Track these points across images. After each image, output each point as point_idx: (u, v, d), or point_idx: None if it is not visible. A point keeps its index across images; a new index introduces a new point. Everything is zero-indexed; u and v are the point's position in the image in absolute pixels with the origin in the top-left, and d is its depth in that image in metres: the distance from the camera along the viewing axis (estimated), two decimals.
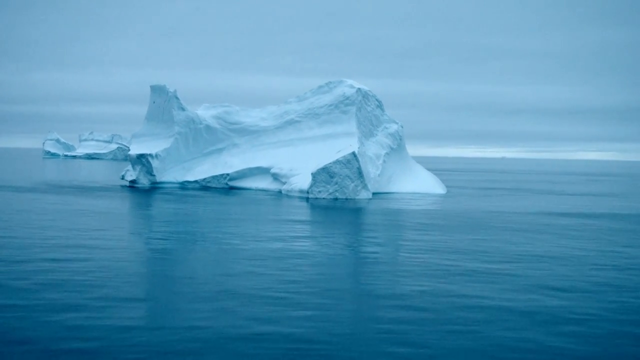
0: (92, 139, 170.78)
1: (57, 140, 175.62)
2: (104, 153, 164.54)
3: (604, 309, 14.62)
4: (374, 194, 47.74)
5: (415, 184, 51.98)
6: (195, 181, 53.75)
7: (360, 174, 44.81)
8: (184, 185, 53.65)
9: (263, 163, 52.61)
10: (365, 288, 16.31)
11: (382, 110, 54.59)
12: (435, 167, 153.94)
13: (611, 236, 27.47)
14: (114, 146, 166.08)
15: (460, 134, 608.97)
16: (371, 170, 49.12)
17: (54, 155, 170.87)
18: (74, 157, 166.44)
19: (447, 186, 58.25)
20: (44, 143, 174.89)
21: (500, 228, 29.52)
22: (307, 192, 45.12)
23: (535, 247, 23.80)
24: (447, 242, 24.65)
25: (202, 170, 54.37)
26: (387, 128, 53.64)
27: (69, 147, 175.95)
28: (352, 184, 44.66)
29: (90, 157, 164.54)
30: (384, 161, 51.18)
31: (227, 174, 53.10)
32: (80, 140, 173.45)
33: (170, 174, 54.18)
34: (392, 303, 14.66)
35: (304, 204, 40.94)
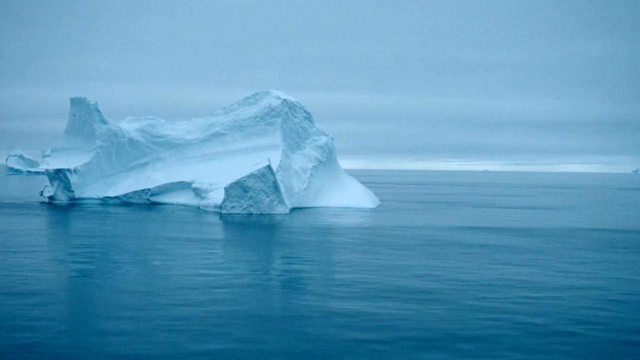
0: None
1: (21, 156, 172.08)
2: None
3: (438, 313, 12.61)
4: (298, 208, 45.72)
5: (344, 198, 49.93)
6: (117, 197, 51.37)
7: (276, 188, 42.72)
8: (104, 201, 51.26)
9: (186, 177, 50.41)
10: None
11: (311, 122, 52.67)
12: (405, 181, 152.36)
13: (502, 252, 25.55)
14: None
15: (444, 147, 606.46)
16: (296, 184, 47.12)
17: (17, 171, 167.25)
18: (37, 173, 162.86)
19: (383, 200, 56.32)
20: (7, 159, 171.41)
21: (396, 245, 27.52)
22: (220, 208, 42.95)
23: (412, 263, 21.82)
24: (328, 260, 22.60)
25: (124, 186, 52.05)
26: (315, 140, 51.67)
27: (32, 163, 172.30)
28: (268, 199, 42.54)
29: None
30: (312, 174, 49.20)
31: (149, 189, 50.78)
32: (44, 156, 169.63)
33: (91, 190, 51.84)
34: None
35: (216, 220, 38.76)
